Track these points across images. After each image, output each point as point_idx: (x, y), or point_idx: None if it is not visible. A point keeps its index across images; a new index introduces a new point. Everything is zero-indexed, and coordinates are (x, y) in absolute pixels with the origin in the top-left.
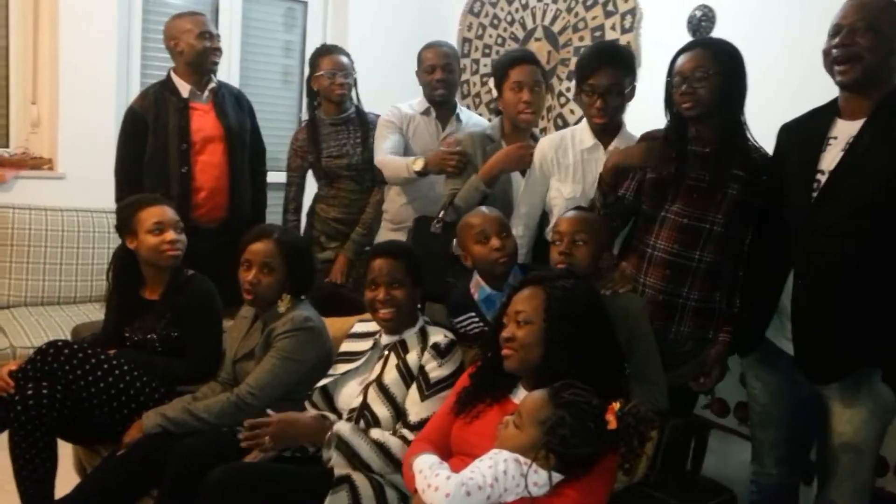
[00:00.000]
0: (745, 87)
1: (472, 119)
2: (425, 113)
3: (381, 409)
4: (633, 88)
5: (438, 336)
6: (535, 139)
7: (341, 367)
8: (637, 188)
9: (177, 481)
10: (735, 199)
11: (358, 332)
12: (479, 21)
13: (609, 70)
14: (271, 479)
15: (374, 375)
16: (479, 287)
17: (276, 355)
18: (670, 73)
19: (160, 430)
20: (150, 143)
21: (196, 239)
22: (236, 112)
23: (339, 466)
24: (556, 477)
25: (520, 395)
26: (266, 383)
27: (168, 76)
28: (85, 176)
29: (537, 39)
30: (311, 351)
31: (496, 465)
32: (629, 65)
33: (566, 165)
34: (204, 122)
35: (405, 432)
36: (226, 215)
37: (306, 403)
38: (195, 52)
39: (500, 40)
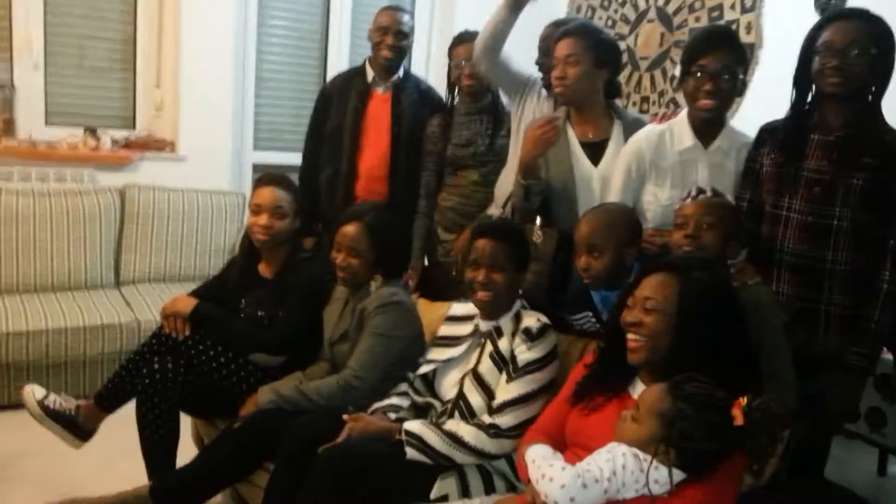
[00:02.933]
0: (892, 73)
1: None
2: (548, 97)
3: (476, 398)
4: (745, 84)
5: (531, 320)
6: (621, 116)
7: (440, 352)
8: (756, 184)
9: (291, 457)
10: (863, 189)
11: (456, 314)
12: (588, 3)
13: (723, 52)
14: (381, 463)
15: (471, 365)
16: (596, 288)
17: (370, 333)
18: (811, 44)
19: (273, 405)
20: (331, 120)
21: None
22: (415, 106)
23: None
24: (678, 476)
25: (639, 389)
26: (367, 364)
27: (365, 61)
28: (204, 158)
29: (650, 21)
30: (403, 326)
31: (615, 458)
32: (743, 54)
33: (664, 169)
34: (379, 110)
35: (484, 417)
36: (387, 199)
37: (409, 390)
38: (371, 43)
39: (610, 22)
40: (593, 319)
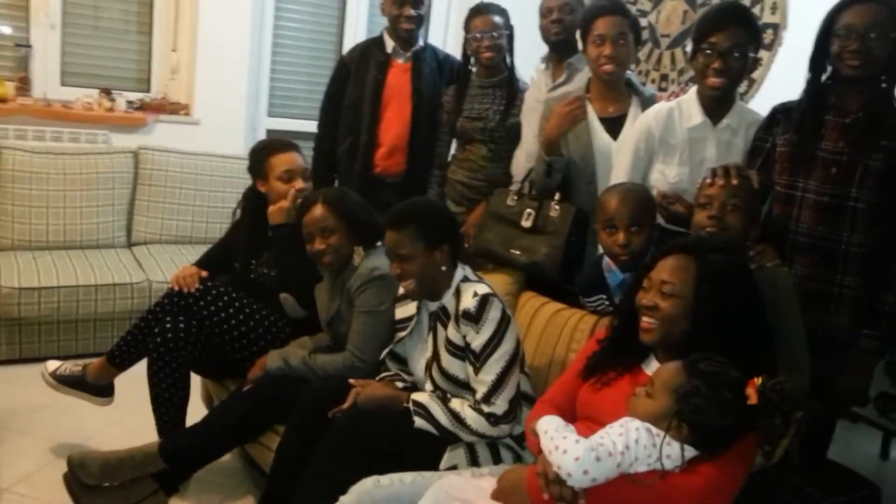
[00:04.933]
0: None
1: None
2: (545, 69)
3: (456, 392)
4: (756, 61)
5: (467, 298)
6: (638, 93)
7: (400, 336)
8: (765, 164)
9: (302, 422)
10: (880, 171)
11: (402, 294)
12: None
13: (735, 29)
14: (394, 430)
15: (429, 352)
16: (611, 271)
17: (358, 313)
18: (829, 27)
19: (280, 372)
20: (349, 91)
21: (381, 191)
22: (433, 75)
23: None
24: (690, 452)
25: (653, 366)
26: (365, 343)
27: (383, 31)
28: (218, 122)
29: None
30: (389, 298)
31: (628, 432)
32: (756, 31)
33: (672, 146)
34: (399, 80)
35: (482, 407)
36: (405, 170)
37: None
38: (389, 16)
39: None
40: (607, 302)
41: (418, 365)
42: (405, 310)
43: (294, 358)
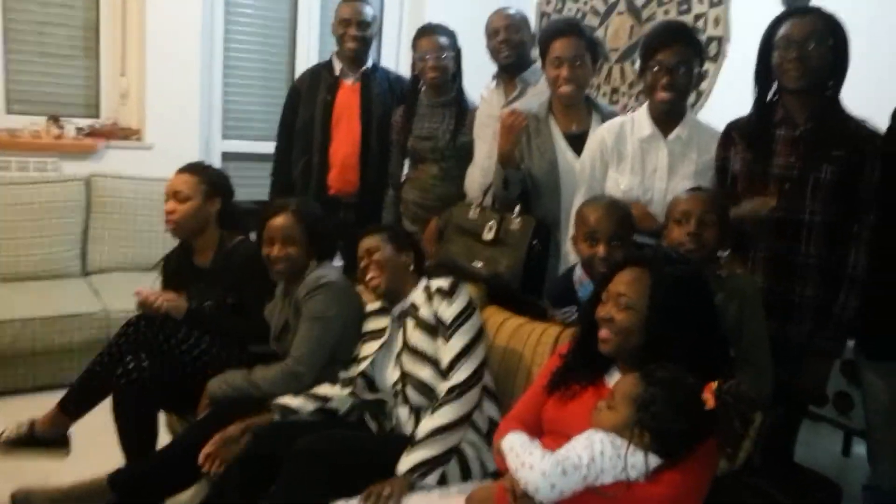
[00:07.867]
0: (848, 65)
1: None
2: (496, 86)
3: (421, 370)
4: (700, 76)
5: (439, 282)
6: (598, 110)
7: (369, 347)
8: (722, 182)
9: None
10: (831, 182)
11: (372, 310)
12: None
13: (679, 47)
14: (357, 447)
15: (399, 345)
16: (581, 284)
17: (304, 320)
18: (770, 40)
19: (224, 396)
20: (301, 114)
21: (337, 211)
22: (384, 96)
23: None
24: (654, 461)
25: (615, 378)
26: (307, 350)
27: (332, 55)
28: (172, 146)
29: (620, 13)
30: (336, 305)
31: (593, 445)
32: (699, 47)
33: (624, 156)
34: (348, 100)
35: (440, 387)
36: (359, 189)
37: (354, 392)
38: (336, 36)
39: (580, 14)
40: (577, 314)
41: (387, 374)
42: (376, 322)
43: (234, 378)
